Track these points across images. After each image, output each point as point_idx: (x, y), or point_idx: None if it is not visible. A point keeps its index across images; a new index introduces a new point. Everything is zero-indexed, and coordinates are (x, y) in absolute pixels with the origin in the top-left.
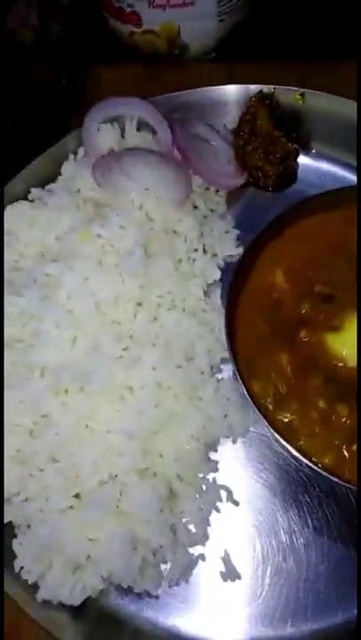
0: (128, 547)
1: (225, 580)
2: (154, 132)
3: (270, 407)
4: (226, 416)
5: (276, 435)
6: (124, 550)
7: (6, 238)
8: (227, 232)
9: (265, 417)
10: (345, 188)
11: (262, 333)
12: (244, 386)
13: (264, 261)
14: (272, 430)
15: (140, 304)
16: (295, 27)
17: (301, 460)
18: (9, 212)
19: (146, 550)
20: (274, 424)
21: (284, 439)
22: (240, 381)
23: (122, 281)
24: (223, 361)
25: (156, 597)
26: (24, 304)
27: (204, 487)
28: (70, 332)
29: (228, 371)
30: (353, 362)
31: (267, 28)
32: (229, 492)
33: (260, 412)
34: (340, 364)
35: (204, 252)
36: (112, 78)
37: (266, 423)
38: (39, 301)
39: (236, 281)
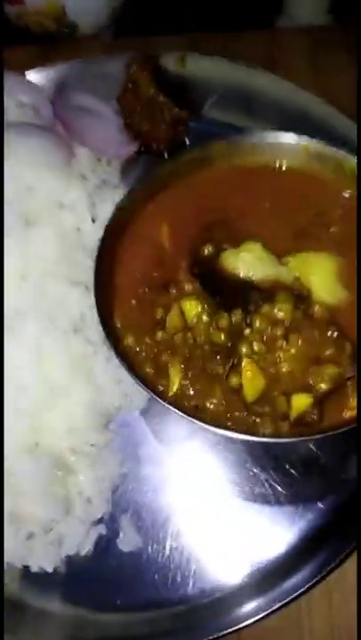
0: (12, 522)
1: (126, 548)
2: (36, 109)
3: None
4: (119, 383)
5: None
6: (14, 529)
7: None
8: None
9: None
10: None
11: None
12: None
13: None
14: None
15: (23, 277)
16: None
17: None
18: None
19: (34, 525)
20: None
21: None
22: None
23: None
24: None
25: (58, 575)
26: None
27: (100, 457)
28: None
29: None
30: None
31: (158, 3)
32: (133, 460)
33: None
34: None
35: (93, 221)
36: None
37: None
38: None
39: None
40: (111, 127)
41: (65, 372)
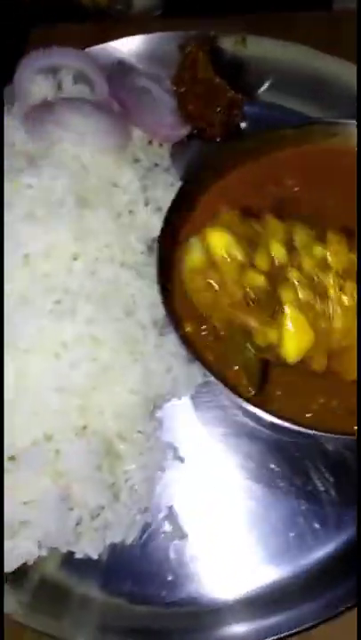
0: (62, 507)
1: (171, 539)
2: (91, 87)
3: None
4: (169, 371)
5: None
6: (57, 511)
7: None
8: (172, 185)
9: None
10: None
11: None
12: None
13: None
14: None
15: (76, 257)
16: None
17: (252, 412)
18: None
19: (83, 511)
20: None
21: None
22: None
23: (54, 233)
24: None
25: (100, 562)
26: None
27: (147, 445)
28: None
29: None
30: None
31: None
32: (175, 449)
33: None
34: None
35: (146, 204)
36: (56, 37)
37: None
38: None
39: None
40: (164, 109)
41: (116, 354)
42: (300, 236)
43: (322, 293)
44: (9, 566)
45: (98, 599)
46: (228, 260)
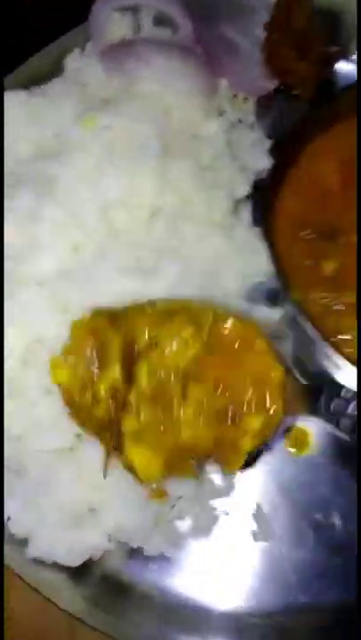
0: (140, 497)
1: (255, 539)
2: (174, 30)
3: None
4: None
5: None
6: (134, 501)
7: None
8: (257, 143)
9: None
10: None
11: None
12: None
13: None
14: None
15: (155, 212)
16: None
17: None
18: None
19: (163, 502)
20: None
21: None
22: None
23: (134, 181)
24: (253, 288)
25: (172, 560)
26: (14, 206)
27: None
28: (71, 238)
29: (260, 298)
30: None
31: None
32: None
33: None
34: None
35: (233, 160)
36: None
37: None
38: (33, 201)
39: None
40: (252, 59)
41: None
42: (157, 332)
43: (166, 406)
44: (73, 560)
45: (161, 600)
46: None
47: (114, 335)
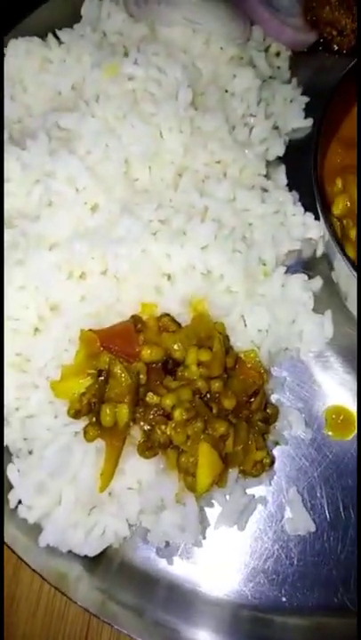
0: (166, 478)
1: (293, 530)
2: None
3: None
4: (295, 322)
5: None
6: (160, 482)
7: (7, 84)
8: (292, 100)
9: None
10: None
11: None
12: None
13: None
14: None
15: (182, 169)
16: None
17: None
18: (12, 50)
19: None
20: None
21: None
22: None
23: (160, 134)
24: (290, 255)
25: (199, 548)
26: (30, 158)
27: None
28: (91, 195)
29: (296, 267)
30: None
31: None
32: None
33: None
34: None
35: (266, 118)
36: None
37: None
38: (49, 155)
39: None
40: (290, 9)
41: (231, 294)
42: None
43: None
44: (90, 548)
45: (187, 593)
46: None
47: (119, 365)
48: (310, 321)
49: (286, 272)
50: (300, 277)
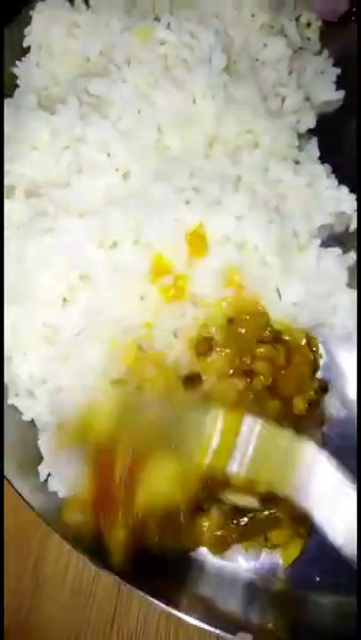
0: None
1: None
2: None
3: None
4: (330, 296)
5: None
6: None
7: (33, 50)
8: (323, 72)
9: None
10: None
11: None
12: None
13: None
14: None
15: (214, 138)
16: None
17: None
18: (38, 15)
19: None
20: None
21: None
22: None
23: (193, 101)
24: (323, 229)
25: None
26: (59, 122)
27: None
28: (123, 162)
29: (330, 241)
30: None
31: None
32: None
33: None
34: None
35: (297, 89)
36: None
37: None
38: (77, 120)
39: None
40: None
41: (266, 266)
42: None
43: None
44: None
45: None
46: None
47: None
48: (345, 296)
49: (321, 246)
50: (335, 251)
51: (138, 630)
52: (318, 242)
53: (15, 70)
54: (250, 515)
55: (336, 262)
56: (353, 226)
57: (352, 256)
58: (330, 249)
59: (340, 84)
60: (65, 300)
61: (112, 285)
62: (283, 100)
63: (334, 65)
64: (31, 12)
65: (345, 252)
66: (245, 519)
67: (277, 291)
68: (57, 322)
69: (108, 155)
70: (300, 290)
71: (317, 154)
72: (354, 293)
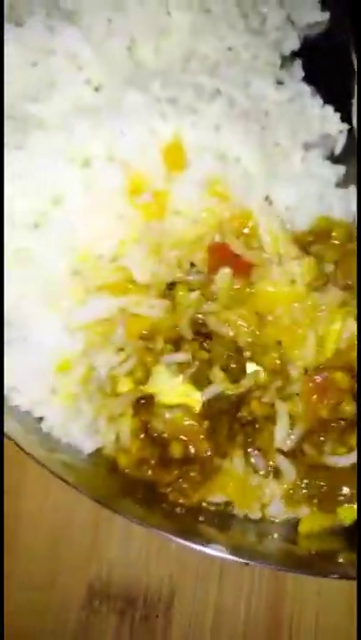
0: None
1: None
2: None
3: None
4: (322, 198)
5: None
6: None
7: None
8: None
9: None
10: None
11: None
12: None
13: None
14: None
15: (190, 52)
16: None
17: None
18: None
19: None
20: None
21: None
22: None
23: (167, 12)
24: (310, 146)
25: None
26: (27, 34)
27: None
28: (95, 73)
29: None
30: None
31: None
32: None
33: None
34: None
35: (279, 8)
36: None
37: None
38: (45, 31)
39: None
40: None
41: (254, 167)
42: None
43: None
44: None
45: None
46: None
47: None
48: (336, 195)
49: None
50: (320, 153)
51: None
52: (302, 148)
53: None
54: None
55: (323, 165)
56: (338, 149)
57: (341, 168)
58: (315, 150)
59: (324, 5)
60: (36, 224)
61: (87, 205)
62: (264, 19)
63: None
64: None
65: (334, 163)
66: None
67: (267, 198)
68: (29, 246)
69: (80, 66)
70: (290, 191)
71: (302, 74)
72: (344, 192)
